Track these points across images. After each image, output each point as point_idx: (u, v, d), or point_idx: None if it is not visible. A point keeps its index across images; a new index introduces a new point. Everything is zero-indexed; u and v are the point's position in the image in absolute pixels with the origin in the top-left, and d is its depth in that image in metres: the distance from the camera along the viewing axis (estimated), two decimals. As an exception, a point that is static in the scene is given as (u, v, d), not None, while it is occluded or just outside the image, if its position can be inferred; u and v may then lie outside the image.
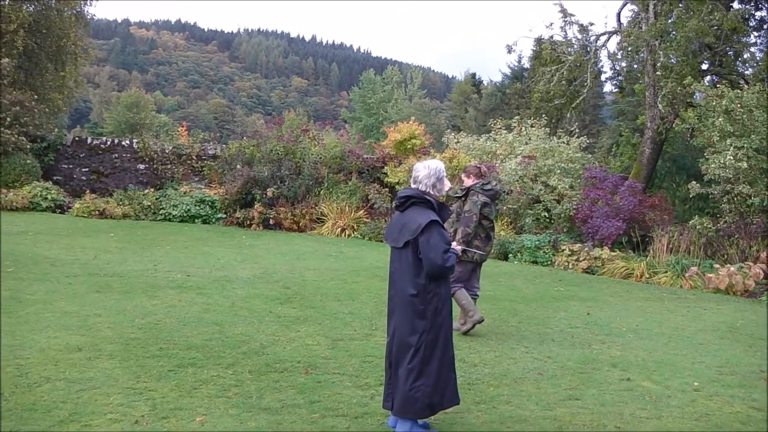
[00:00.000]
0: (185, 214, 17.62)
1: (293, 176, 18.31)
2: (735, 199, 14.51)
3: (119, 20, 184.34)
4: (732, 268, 12.38)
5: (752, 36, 22.45)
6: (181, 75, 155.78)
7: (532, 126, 21.36)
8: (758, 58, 21.41)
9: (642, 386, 6.01)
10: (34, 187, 17.30)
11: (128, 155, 20.16)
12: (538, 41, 26.07)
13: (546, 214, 16.84)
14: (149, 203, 17.86)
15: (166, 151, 20.27)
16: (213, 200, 18.13)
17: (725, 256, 13.75)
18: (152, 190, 18.94)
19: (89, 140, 20.68)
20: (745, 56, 21.94)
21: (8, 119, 17.92)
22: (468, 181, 7.90)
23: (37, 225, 14.48)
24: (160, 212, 17.74)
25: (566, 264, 14.25)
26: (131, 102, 61.50)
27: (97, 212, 16.94)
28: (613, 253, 14.29)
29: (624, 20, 24.21)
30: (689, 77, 17.16)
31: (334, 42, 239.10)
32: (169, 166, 20.05)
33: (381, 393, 5.29)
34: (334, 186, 18.34)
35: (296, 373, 5.84)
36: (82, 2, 26.69)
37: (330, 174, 18.63)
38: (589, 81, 23.41)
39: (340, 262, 12.83)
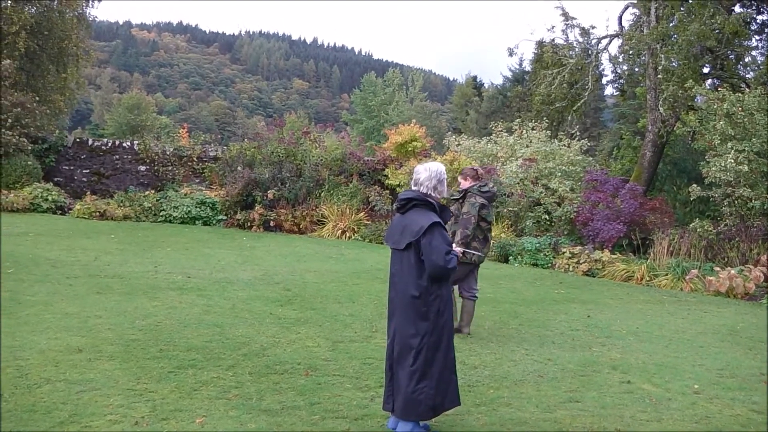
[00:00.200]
0: (186, 216, 17.62)
1: (294, 178, 18.31)
2: (736, 202, 14.51)
3: (121, 22, 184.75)
4: (732, 271, 12.38)
5: (754, 39, 22.47)
6: (183, 77, 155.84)
7: (533, 129, 21.36)
8: (759, 62, 21.40)
9: (642, 389, 6.00)
10: (34, 189, 17.31)
11: (129, 157, 20.16)
12: (540, 44, 26.12)
13: (547, 216, 16.83)
14: (150, 205, 17.86)
15: (167, 153, 20.27)
16: (214, 202, 18.13)
17: (726, 259, 13.74)
18: (153, 191, 18.94)
19: (90, 142, 20.70)
20: (746, 60, 21.94)
21: (9, 120, 17.93)
22: (465, 184, 7.91)
23: (37, 226, 14.48)
24: (161, 214, 17.74)
25: (567, 266, 14.25)
26: (132, 104, 61.58)
27: (97, 214, 16.94)
28: (613, 256, 14.28)
29: (625, 23, 24.25)
30: (690, 80, 17.15)
31: (335, 44, 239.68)
32: (170, 168, 20.04)
33: (381, 395, 5.29)
34: (334, 188, 18.34)
35: (296, 374, 5.84)
36: (83, 4, 26.75)
37: (331, 176, 18.64)
38: (590, 84, 23.40)
39: (340, 264, 12.83)
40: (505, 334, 7.95)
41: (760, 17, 22.53)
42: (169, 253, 12.49)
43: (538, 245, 14.99)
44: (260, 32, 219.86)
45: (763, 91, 15.36)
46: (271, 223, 17.61)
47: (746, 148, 14.03)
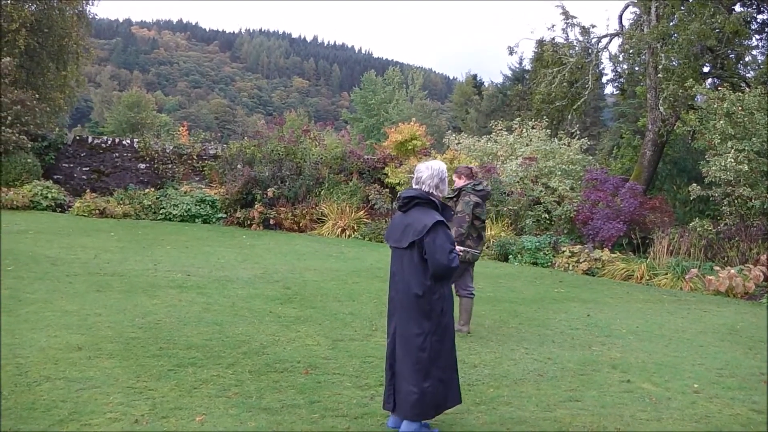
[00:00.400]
0: (186, 214, 17.62)
1: (294, 176, 18.31)
2: (735, 201, 14.50)
3: (121, 20, 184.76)
4: (732, 271, 12.37)
5: (754, 39, 22.47)
6: (183, 75, 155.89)
7: (533, 127, 21.36)
8: (760, 61, 21.42)
9: (642, 388, 6.00)
10: (34, 186, 17.31)
11: (129, 155, 20.16)
12: (540, 43, 26.12)
13: (546, 215, 16.83)
14: (150, 203, 17.87)
15: (167, 151, 20.27)
16: (213, 200, 18.13)
17: (725, 259, 13.74)
18: (153, 189, 18.94)
19: (90, 139, 20.69)
20: (746, 59, 21.96)
21: (9, 118, 17.93)
22: (459, 182, 7.92)
23: (37, 224, 14.48)
24: (161, 212, 17.74)
25: (566, 265, 14.25)
26: (132, 101, 61.60)
27: (97, 211, 16.94)
28: (613, 255, 14.28)
29: (626, 22, 24.25)
30: (691, 80, 17.15)
31: (335, 43, 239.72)
32: (169, 166, 20.05)
33: (381, 393, 5.29)
34: (334, 186, 18.34)
35: (296, 373, 5.84)
36: (84, 2, 26.78)
37: (331, 174, 18.64)
38: (590, 83, 23.41)
39: (340, 262, 12.83)
40: (504, 332, 7.95)
41: (760, 16, 22.55)
42: (169, 251, 12.49)
43: (537, 244, 14.99)
44: (260, 30, 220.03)
45: (763, 90, 15.36)
46: (271, 222, 17.60)
47: (746, 148, 14.03)
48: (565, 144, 20.36)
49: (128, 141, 20.67)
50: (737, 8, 21.20)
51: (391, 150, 19.71)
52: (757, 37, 22.72)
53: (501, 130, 22.04)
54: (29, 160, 17.93)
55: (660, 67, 20.31)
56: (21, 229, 13.51)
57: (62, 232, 13.72)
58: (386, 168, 18.91)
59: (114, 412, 4.70)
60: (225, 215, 17.99)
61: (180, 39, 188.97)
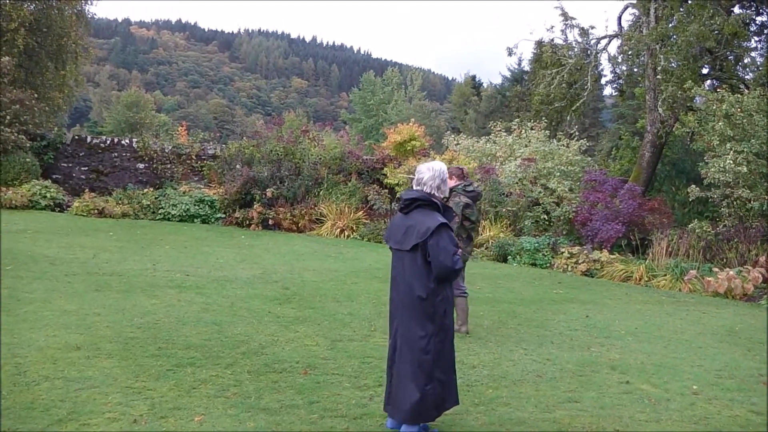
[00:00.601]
0: (184, 214, 17.61)
1: (293, 177, 18.30)
2: (734, 203, 14.51)
3: (120, 20, 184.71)
4: (731, 272, 12.38)
5: (753, 41, 22.53)
6: (181, 75, 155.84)
7: (531, 128, 21.38)
8: (759, 63, 21.44)
9: (641, 389, 6.00)
10: (33, 186, 17.29)
11: (128, 154, 20.14)
12: (539, 44, 26.11)
13: (545, 216, 16.84)
14: (148, 202, 17.85)
15: (166, 151, 20.26)
16: (212, 200, 18.12)
17: (724, 260, 13.75)
18: (151, 189, 18.93)
19: (89, 139, 20.66)
20: (745, 61, 21.98)
21: (8, 117, 17.91)
22: (450, 183, 7.92)
23: (36, 223, 14.46)
24: (159, 212, 17.73)
25: (565, 266, 14.25)
26: (131, 101, 61.60)
27: (96, 211, 16.92)
28: (612, 256, 14.28)
29: (625, 24, 24.29)
30: (690, 81, 17.17)
31: (334, 43, 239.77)
32: (168, 166, 20.03)
33: (380, 394, 5.29)
34: (333, 187, 18.33)
35: (295, 373, 5.83)
36: (83, 1, 26.73)
37: (329, 175, 18.64)
38: (589, 84, 23.43)
39: (339, 262, 12.83)
40: (503, 333, 7.95)
41: (759, 18, 22.60)
42: (168, 251, 12.48)
43: (536, 245, 14.99)
44: (259, 30, 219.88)
45: (762, 92, 15.38)
46: (270, 222, 17.59)
47: (745, 149, 14.04)
48: (564, 145, 20.38)
49: (127, 141, 20.65)
50: (736, 10, 21.25)
51: (390, 150, 19.70)
52: (756, 38, 22.78)
53: (500, 131, 22.07)
54: (28, 160, 17.91)
55: (659, 68, 20.34)
56: (20, 228, 13.49)
57: (61, 231, 13.71)
58: (385, 168, 18.91)
59: (113, 412, 4.70)
60: (224, 215, 17.98)
61: (179, 39, 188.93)
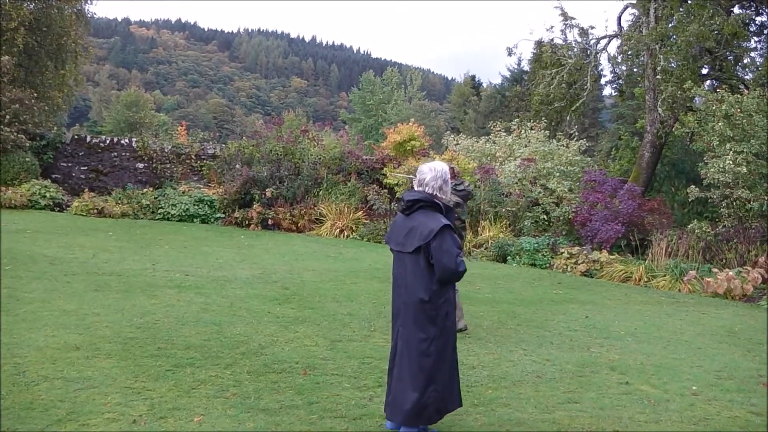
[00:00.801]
0: (184, 214, 17.60)
1: (292, 177, 18.30)
2: (734, 203, 14.51)
3: (119, 19, 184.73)
4: (730, 273, 12.37)
5: (752, 41, 22.51)
6: (181, 74, 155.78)
7: (531, 128, 21.38)
8: (758, 63, 21.43)
9: (640, 390, 6.00)
10: (32, 185, 17.28)
11: (127, 154, 20.14)
12: (539, 44, 26.10)
13: (545, 216, 16.83)
14: (148, 202, 17.84)
15: (165, 151, 20.26)
16: (212, 200, 18.11)
17: (724, 261, 13.75)
18: (151, 189, 18.92)
19: (88, 139, 20.65)
20: (745, 61, 21.97)
21: (8, 117, 17.90)
22: None
23: (35, 223, 14.46)
24: (159, 211, 17.72)
25: (565, 267, 14.25)
26: (131, 101, 61.57)
27: (95, 211, 16.92)
28: (611, 257, 14.28)
29: (624, 24, 24.28)
30: (689, 81, 17.17)
31: (333, 43, 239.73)
32: (168, 166, 20.03)
33: (379, 394, 5.30)
34: (333, 187, 18.32)
35: (294, 373, 5.83)
36: (82, 1, 26.70)
37: (329, 175, 18.63)
38: (589, 84, 23.42)
39: (338, 263, 12.82)
40: (503, 334, 7.95)
41: (759, 18, 22.58)
42: (167, 251, 12.47)
43: (536, 245, 14.99)
44: (259, 30, 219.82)
45: (761, 92, 15.37)
46: (270, 222, 17.58)
47: (745, 150, 14.04)
48: (563, 145, 20.38)
49: (126, 140, 20.64)
50: (736, 10, 21.24)
51: (390, 150, 19.69)
52: (756, 39, 22.76)
53: (499, 131, 22.06)
54: (27, 159, 17.90)
55: (659, 68, 20.34)
56: (19, 228, 13.49)
57: (60, 231, 13.70)
58: (385, 168, 18.90)
59: (112, 413, 4.70)
60: (223, 215, 17.97)
61: (178, 38, 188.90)
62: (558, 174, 18.21)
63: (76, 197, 17.91)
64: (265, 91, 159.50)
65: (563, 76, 23.30)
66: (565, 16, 23.93)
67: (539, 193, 17.33)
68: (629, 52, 22.52)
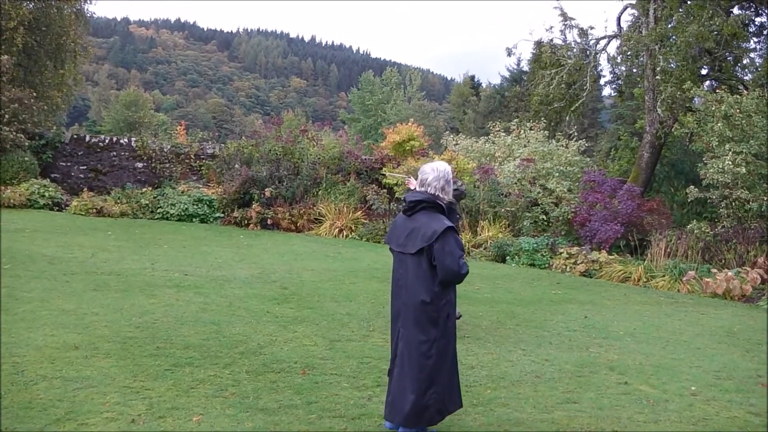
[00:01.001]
0: (183, 213, 17.59)
1: (291, 176, 18.29)
2: (733, 204, 14.52)
3: (119, 19, 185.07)
4: (729, 273, 12.38)
5: (752, 41, 22.53)
6: (180, 74, 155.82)
7: (530, 129, 21.39)
8: (758, 64, 21.45)
9: (639, 390, 6.00)
10: (31, 185, 17.27)
11: (126, 154, 20.12)
12: (538, 44, 26.11)
13: (544, 216, 16.83)
14: (147, 202, 17.84)
15: (165, 150, 20.24)
16: (211, 199, 18.11)
17: (723, 261, 13.75)
18: (150, 188, 18.91)
19: (87, 138, 20.64)
20: (744, 62, 22.00)
21: (7, 116, 17.89)
22: None
23: (34, 222, 14.45)
24: (158, 211, 17.71)
25: (564, 267, 14.24)
26: (130, 100, 61.53)
27: (94, 210, 16.91)
28: (610, 257, 14.28)
29: (624, 24, 24.32)
30: (689, 82, 17.19)
31: (333, 43, 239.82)
32: (167, 165, 20.01)
33: (378, 394, 5.30)
34: (332, 186, 18.32)
35: (293, 373, 5.83)
36: (81, 0, 26.66)
37: (328, 175, 18.62)
38: (588, 84, 23.43)
39: (337, 262, 12.82)
40: (502, 334, 7.95)
41: (758, 19, 22.60)
42: (166, 251, 12.47)
43: (535, 245, 14.98)
44: (258, 30, 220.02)
45: (761, 93, 15.39)
46: (269, 221, 17.57)
47: (744, 150, 14.05)
48: (562, 145, 20.39)
49: (126, 140, 20.63)
50: (735, 11, 21.25)
51: (389, 150, 19.68)
52: (755, 39, 22.78)
53: (499, 131, 22.08)
54: (26, 159, 17.89)
55: (658, 69, 20.35)
56: (18, 227, 13.48)
57: (59, 230, 13.70)
58: (384, 168, 18.89)
59: (111, 412, 4.69)
60: (222, 215, 17.96)
61: (178, 38, 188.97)
62: (557, 174, 18.21)
63: (75, 197, 17.90)
64: (265, 91, 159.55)
65: (563, 76, 23.31)
66: (565, 17, 23.96)
67: (538, 193, 17.33)
68: (629, 53, 22.54)
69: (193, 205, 17.83)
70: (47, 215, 16.11)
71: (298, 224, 17.63)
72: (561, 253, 14.68)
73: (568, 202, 16.70)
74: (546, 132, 21.40)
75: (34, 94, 20.05)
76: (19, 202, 16.59)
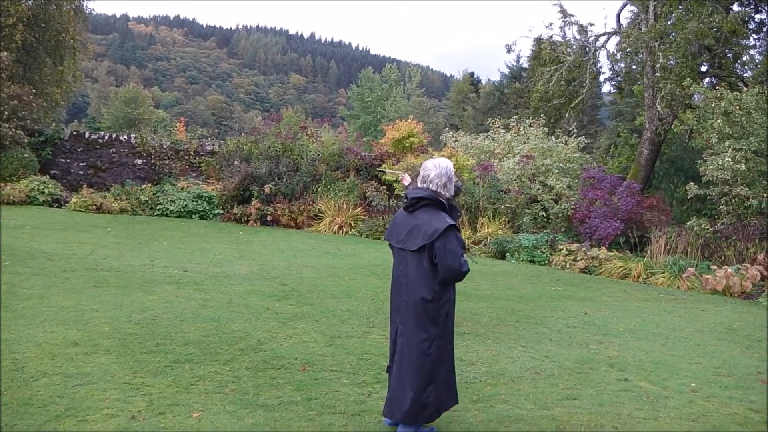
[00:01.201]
0: (182, 210, 17.58)
1: (291, 173, 18.28)
2: (733, 200, 14.52)
3: (118, 15, 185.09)
4: (729, 270, 12.39)
5: (752, 38, 22.49)
6: (180, 71, 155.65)
7: (530, 125, 21.38)
8: (757, 61, 21.44)
9: (639, 387, 6.01)
10: (31, 181, 17.25)
11: (126, 150, 20.10)
12: (538, 41, 26.08)
13: (544, 213, 16.84)
14: (146, 198, 17.82)
15: (164, 147, 20.22)
16: (210, 196, 18.09)
17: (722, 258, 13.76)
18: (149, 185, 18.89)
19: (87, 135, 20.61)
20: (744, 58, 21.99)
21: (6, 113, 17.85)
22: None
23: (34, 219, 14.44)
24: (158, 207, 17.69)
25: (563, 264, 14.25)
26: (129, 97, 61.42)
27: (94, 207, 16.90)
28: (610, 254, 14.29)
29: (624, 21, 24.28)
30: (688, 79, 17.15)
31: (332, 39, 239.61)
32: (166, 162, 19.99)
33: (378, 391, 5.30)
34: (331, 183, 18.31)
35: (293, 370, 5.83)
36: (81, -3, 26.63)
37: (328, 171, 18.61)
38: (587, 81, 23.42)
39: (337, 259, 12.81)
40: (502, 330, 7.95)
41: (758, 16, 22.57)
42: (166, 247, 12.46)
43: (535, 242, 14.99)
44: (257, 27, 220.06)
45: (760, 90, 15.37)
46: (268, 218, 17.57)
47: (744, 147, 14.04)
48: (562, 142, 20.38)
49: (125, 137, 20.61)
50: (735, 7, 21.21)
51: (389, 147, 19.67)
52: (755, 36, 22.75)
53: (498, 128, 22.06)
54: (26, 155, 17.87)
55: (657, 65, 20.34)
56: (17, 224, 13.47)
57: (59, 227, 13.69)
58: (383, 165, 18.88)
59: (111, 408, 4.69)
60: (222, 211, 17.95)
61: (177, 35, 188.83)
62: (557, 171, 18.21)
63: (75, 193, 17.88)
64: (264, 88, 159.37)
65: (562, 73, 23.30)
66: (564, 14, 23.95)
67: (538, 190, 17.33)
68: (628, 50, 22.52)
69: (193, 201, 17.81)
70: (47, 212, 16.10)
71: (297, 221, 17.62)
72: (561, 249, 14.68)
73: (567, 198, 16.71)
74: (545, 129, 21.38)
75: (34, 90, 20.02)
76: (19, 198, 16.57)
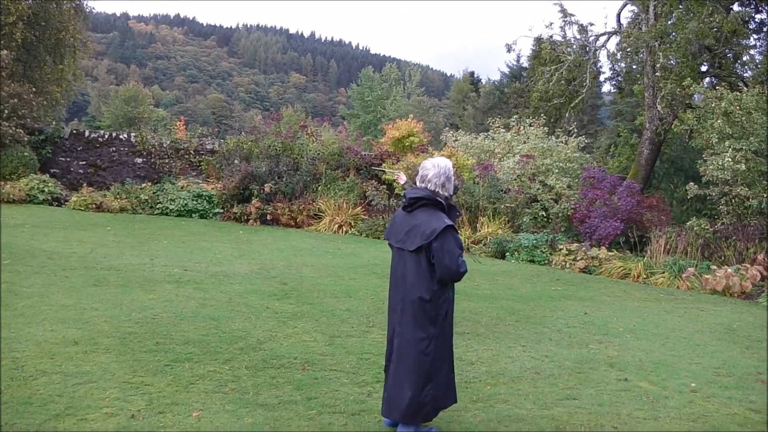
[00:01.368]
0: (182, 209, 17.57)
1: (291, 172, 18.27)
2: (733, 201, 14.52)
3: (118, 14, 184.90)
4: (729, 270, 12.39)
5: (752, 38, 22.53)
6: (180, 69, 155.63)
7: (530, 125, 21.38)
8: (758, 61, 21.45)
9: (639, 387, 6.01)
10: (31, 180, 17.25)
11: (126, 149, 20.10)
12: (538, 41, 26.10)
13: (544, 213, 16.84)
14: (146, 197, 17.81)
15: (164, 146, 20.21)
16: (210, 195, 18.08)
17: (722, 258, 13.75)
18: (149, 184, 18.88)
19: (87, 133, 20.62)
20: (744, 58, 22.01)
21: (6, 111, 17.85)
22: None
23: (34, 218, 14.43)
24: (158, 206, 17.68)
25: (563, 263, 14.25)
26: (129, 96, 61.41)
27: (94, 205, 16.89)
28: (610, 253, 14.29)
29: (624, 21, 24.31)
30: (688, 79, 17.15)
31: (332, 39, 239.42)
32: (166, 161, 19.99)
33: (378, 390, 5.29)
34: (331, 182, 18.30)
35: (293, 369, 5.83)
36: (81, -5, 26.63)
37: (328, 170, 18.61)
38: (588, 81, 23.43)
39: (337, 258, 12.81)
40: (501, 330, 7.94)
41: (758, 16, 22.61)
42: (166, 246, 12.45)
43: (535, 242, 14.99)
44: (258, 26, 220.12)
45: (761, 90, 15.37)
46: (268, 217, 17.57)
47: (744, 147, 14.04)
48: (562, 142, 20.38)
49: (125, 135, 20.60)
50: (735, 7, 21.23)
51: (389, 146, 19.66)
52: (755, 36, 22.78)
53: (498, 127, 22.06)
54: (26, 154, 17.86)
55: (658, 65, 20.34)
56: (17, 222, 13.46)
57: (59, 226, 13.68)
58: (383, 164, 18.88)
59: (110, 407, 4.69)
60: (222, 210, 17.94)
61: (177, 33, 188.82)
62: (557, 171, 18.21)
63: (75, 192, 17.87)
64: (264, 87, 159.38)
65: (562, 72, 23.31)
66: (565, 13, 23.96)
67: (538, 189, 17.33)
68: (628, 49, 22.53)
69: (193, 200, 17.81)
70: (47, 210, 16.09)
71: (297, 220, 17.61)
72: (560, 249, 14.68)
73: (567, 198, 16.71)
74: (545, 128, 21.39)
75: (34, 89, 20.02)
76: (19, 197, 16.56)
